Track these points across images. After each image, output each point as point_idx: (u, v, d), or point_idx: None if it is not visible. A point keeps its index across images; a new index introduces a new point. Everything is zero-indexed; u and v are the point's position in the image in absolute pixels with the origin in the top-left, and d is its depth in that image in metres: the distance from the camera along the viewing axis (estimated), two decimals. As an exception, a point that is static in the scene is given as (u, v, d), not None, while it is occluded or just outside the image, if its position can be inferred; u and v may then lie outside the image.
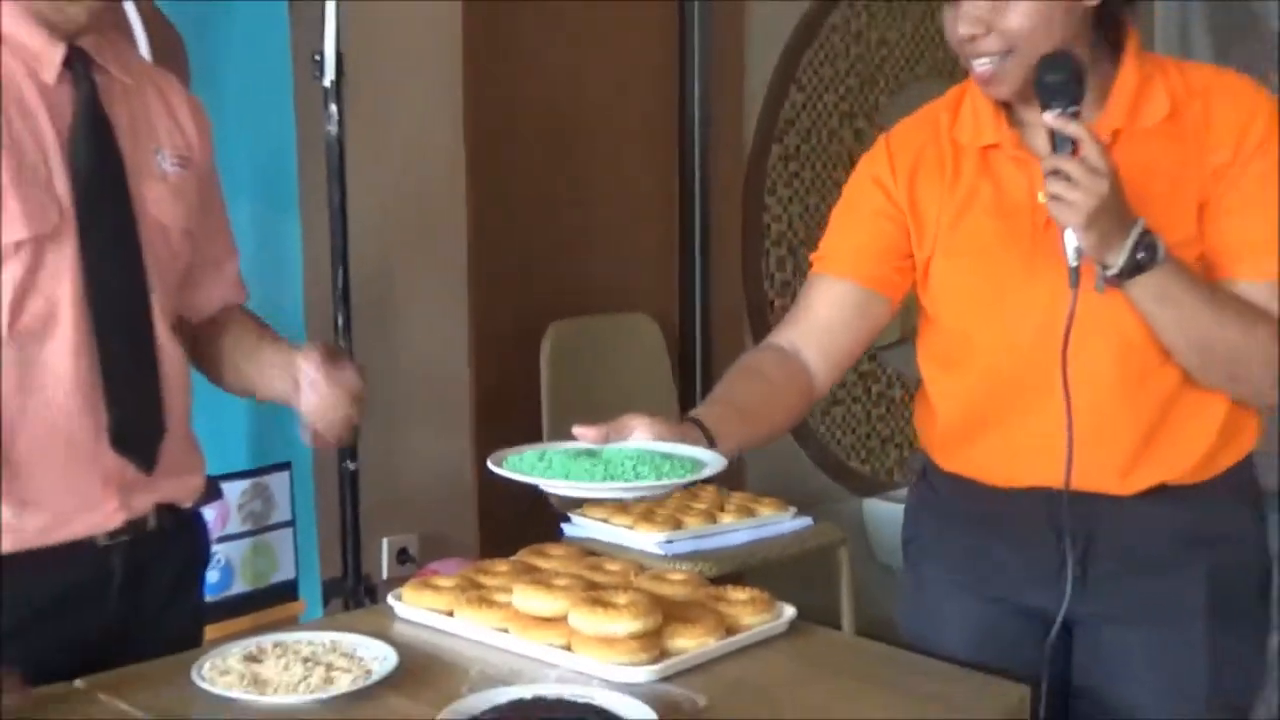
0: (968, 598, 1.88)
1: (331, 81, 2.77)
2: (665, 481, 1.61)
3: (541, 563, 2.06)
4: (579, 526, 3.17)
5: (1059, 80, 1.62)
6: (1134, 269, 1.58)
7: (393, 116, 3.14)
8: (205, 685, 1.62)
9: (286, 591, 2.75)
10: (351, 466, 2.87)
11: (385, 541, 3.18)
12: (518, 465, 1.71)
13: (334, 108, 2.78)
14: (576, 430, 1.72)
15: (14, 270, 1.75)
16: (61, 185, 1.79)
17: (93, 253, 1.80)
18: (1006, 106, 1.80)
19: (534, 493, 1.70)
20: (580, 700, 1.63)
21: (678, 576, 2.01)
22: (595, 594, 1.85)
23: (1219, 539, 1.80)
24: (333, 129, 2.80)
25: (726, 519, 3.25)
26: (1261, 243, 1.70)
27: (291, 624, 2.60)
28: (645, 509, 3.22)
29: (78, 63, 1.82)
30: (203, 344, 2.06)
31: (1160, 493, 1.77)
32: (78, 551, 1.82)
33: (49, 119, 1.80)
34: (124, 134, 1.86)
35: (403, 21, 3.17)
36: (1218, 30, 4.29)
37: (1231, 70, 1.82)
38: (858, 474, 4.37)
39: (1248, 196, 1.70)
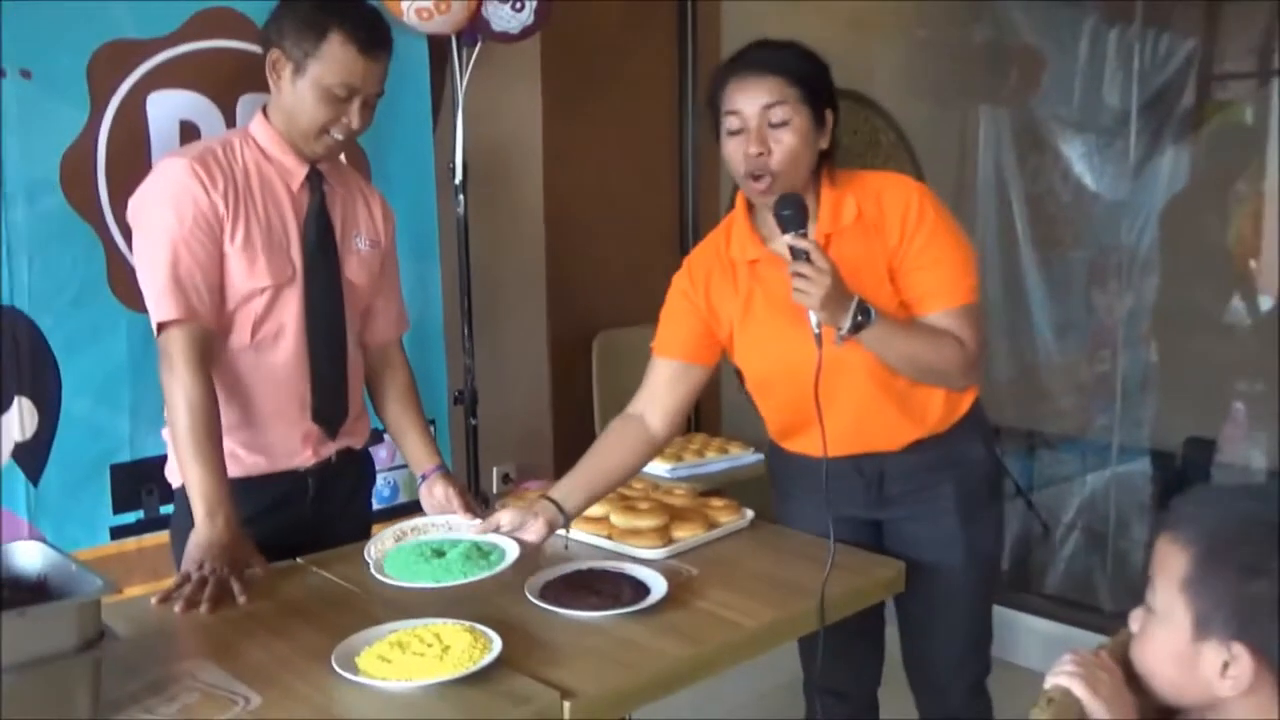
0: (813, 508, 1.80)
1: (460, 180, 2.78)
2: (472, 579, 1.53)
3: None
4: (617, 460, 3.17)
5: (790, 213, 1.59)
6: (856, 329, 1.57)
7: (498, 200, 3.15)
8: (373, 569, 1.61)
9: (431, 502, 2.73)
10: (474, 422, 2.88)
11: (494, 469, 3.19)
12: (395, 562, 1.59)
13: (461, 196, 2.80)
14: (480, 526, 1.70)
15: (258, 304, 1.77)
16: (295, 253, 1.80)
17: (311, 296, 1.82)
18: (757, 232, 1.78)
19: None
20: (617, 570, 1.65)
21: (679, 491, 2.04)
22: (626, 502, 1.87)
23: (960, 462, 1.82)
24: (460, 210, 2.81)
25: (710, 454, 3.25)
26: (932, 289, 1.70)
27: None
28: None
29: (314, 177, 1.83)
30: (376, 375, 2.02)
31: (917, 444, 1.79)
32: (284, 475, 1.84)
33: (292, 211, 1.81)
34: (337, 224, 1.88)
35: (505, 140, 3.18)
36: (1019, 143, 4.26)
37: (892, 172, 1.82)
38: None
39: (915, 263, 1.69)
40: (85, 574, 1.24)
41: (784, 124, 1.64)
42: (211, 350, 1.74)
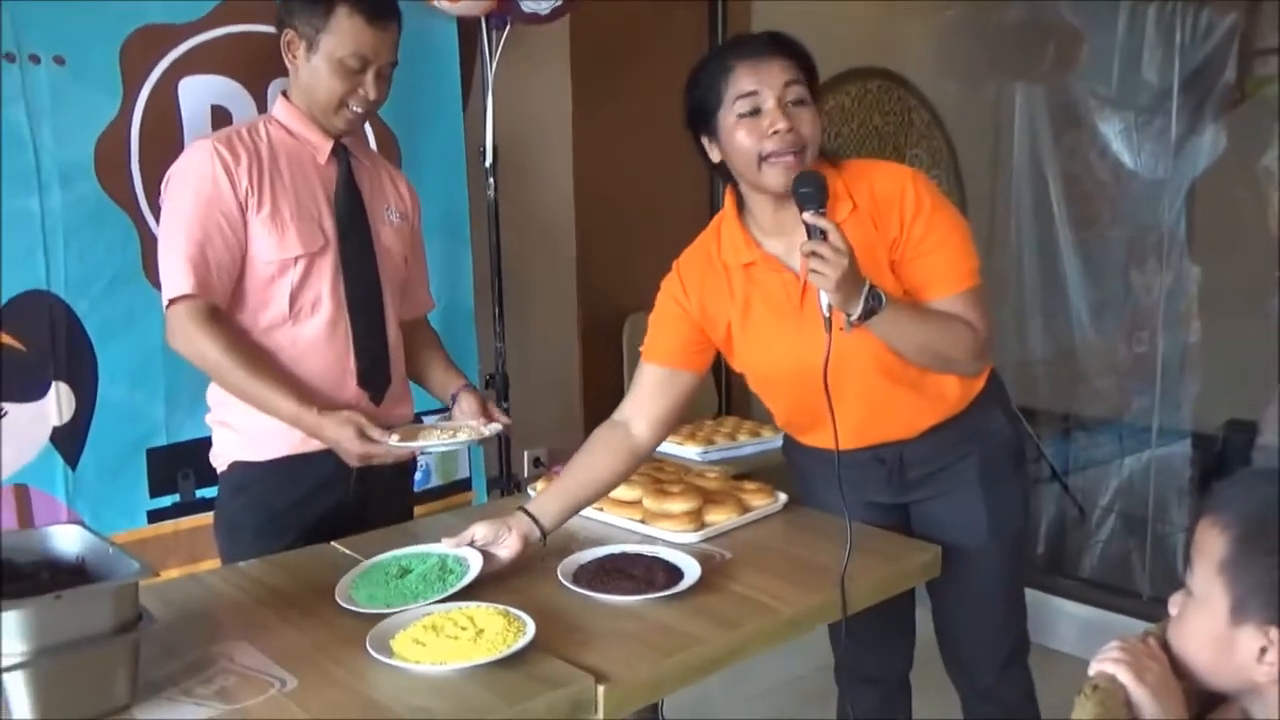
0: (837, 492, 1.76)
1: (490, 163, 2.78)
2: (427, 601, 1.46)
3: (625, 467, 2.05)
4: (648, 443, 3.17)
5: (809, 191, 1.53)
6: (868, 314, 1.53)
7: (528, 183, 3.15)
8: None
9: (463, 486, 2.74)
10: (505, 406, 2.88)
11: (526, 453, 3.19)
12: (365, 589, 1.53)
13: (491, 179, 2.79)
14: (454, 540, 1.62)
15: (293, 275, 1.80)
16: (327, 223, 1.83)
17: (345, 264, 1.85)
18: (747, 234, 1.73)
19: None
20: (649, 554, 1.64)
21: (712, 474, 2.02)
22: (659, 486, 1.86)
23: (981, 435, 1.79)
24: (490, 193, 2.81)
25: (742, 438, 3.24)
26: (936, 275, 1.65)
27: (466, 506, 2.63)
28: (690, 431, 3.22)
29: (340, 151, 1.86)
30: (406, 344, 2.05)
31: (936, 428, 1.76)
32: (325, 457, 1.84)
33: (320, 184, 1.84)
34: (366, 194, 1.90)
35: (534, 122, 3.17)
36: (1055, 121, 4.18)
37: (882, 161, 1.77)
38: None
39: (916, 251, 1.65)
40: (123, 557, 1.25)
41: (802, 102, 1.62)
42: (217, 320, 1.77)
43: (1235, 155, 3.87)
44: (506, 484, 2.90)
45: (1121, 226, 4.07)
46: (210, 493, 2.15)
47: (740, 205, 1.75)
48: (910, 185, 1.65)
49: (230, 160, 1.76)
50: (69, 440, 2.06)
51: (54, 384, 2.04)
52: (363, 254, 1.87)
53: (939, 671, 1.97)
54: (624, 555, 1.64)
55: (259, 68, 2.22)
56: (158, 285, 2.11)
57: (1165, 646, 1.12)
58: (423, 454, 1.76)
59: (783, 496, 1.93)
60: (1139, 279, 4.07)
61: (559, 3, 2.72)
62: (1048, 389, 4.19)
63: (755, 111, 1.61)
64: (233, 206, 1.76)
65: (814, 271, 1.49)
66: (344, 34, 1.76)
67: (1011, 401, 1.89)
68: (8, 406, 1.99)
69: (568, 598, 1.52)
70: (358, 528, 1.83)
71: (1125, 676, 1.06)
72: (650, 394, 1.78)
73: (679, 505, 1.78)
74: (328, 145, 1.85)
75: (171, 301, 1.76)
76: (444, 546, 1.62)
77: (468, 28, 2.68)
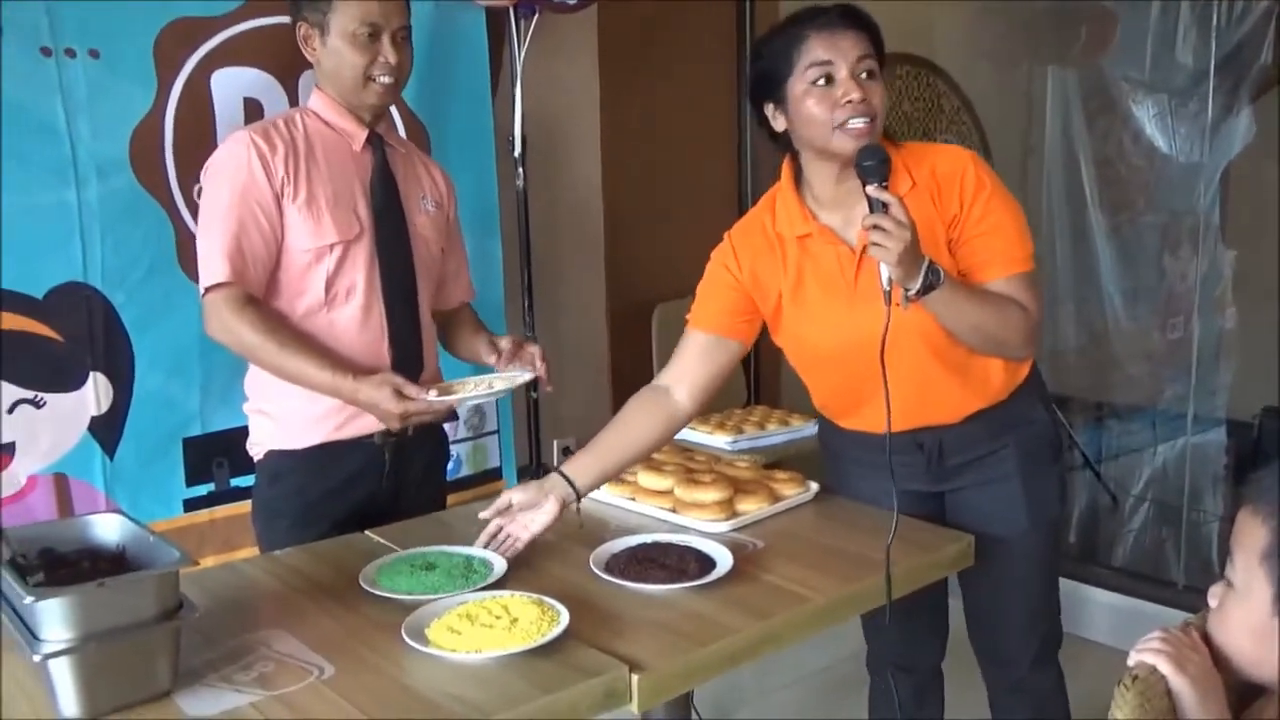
0: (874, 479, 1.78)
1: (519, 152, 2.78)
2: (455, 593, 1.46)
3: (655, 456, 2.04)
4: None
5: (872, 164, 1.53)
6: (926, 289, 1.53)
7: (556, 173, 3.15)
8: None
9: (494, 475, 2.76)
10: (534, 395, 2.89)
11: (555, 442, 3.20)
12: (389, 576, 1.54)
13: (520, 169, 2.79)
14: (492, 508, 1.67)
15: (329, 262, 1.81)
16: (363, 211, 1.84)
17: (380, 251, 1.86)
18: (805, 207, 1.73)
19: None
20: (682, 543, 1.65)
21: (742, 463, 2.02)
22: (690, 475, 1.86)
23: (1020, 424, 1.78)
24: (520, 182, 2.81)
25: (771, 426, 3.23)
26: (992, 257, 1.66)
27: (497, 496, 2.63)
28: (719, 420, 3.22)
29: (375, 139, 1.87)
30: (447, 328, 2.08)
31: (976, 415, 1.75)
32: (360, 446, 1.86)
33: (356, 171, 1.85)
34: (401, 182, 1.91)
35: (563, 112, 3.17)
36: (1088, 105, 4.13)
37: (944, 145, 1.77)
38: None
39: (974, 231, 1.65)
40: (163, 545, 1.27)
41: (873, 76, 1.62)
42: (253, 306, 1.79)
43: (1271, 138, 3.81)
44: (537, 472, 2.91)
45: (1155, 211, 4.01)
46: (244, 481, 2.18)
47: (798, 178, 1.75)
48: (971, 166, 1.66)
49: (266, 150, 1.78)
50: (107, 430, 2.09)
51: (92, 374, 2.06)
52: (397, 241, 1.88)
53: (966, 664, 1.96)
54: (656, 544, 1.64)
55: (290, 60, 2.22)
56: (192, 276, 2.14)
57: (1205, 638, 1.10)
58: (462, 406, 1.77)
59: (814, 485, 1.92)
60: (1173, 264, 4.02)
61: (587, -9, 2.71)
62: (1081, 376, 4.15)
63: (828, 80, 1.60)
64: (268, 197, 1.77)
65: (875, 244, 1.49)
66: (350, 7, 1.79)
67: (1049, 394, 1.88)
68: (47, 397, 2.02)
69: (600, 587, 1.53)
70: (391, 517, 1.85)
71: (1166, 667, 1.05)
72: (694, 361, 1.79)
73: (710, 495, 1.78)
74: (363, 133, 1.87)
75: (208, 290, 1.78)
76: (482, 515, 1.66)
77: (496, 17, 2.68)
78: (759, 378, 3.85)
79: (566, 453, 3.26)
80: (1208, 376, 3.79)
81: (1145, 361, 4.06)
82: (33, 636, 1.14)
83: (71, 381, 2.05)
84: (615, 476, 1.80)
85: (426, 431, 1.98)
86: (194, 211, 2.15)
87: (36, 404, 2.01)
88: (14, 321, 1.96)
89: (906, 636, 1.92)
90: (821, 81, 1.60)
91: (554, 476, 1.69)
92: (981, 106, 4.27)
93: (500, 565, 1.57)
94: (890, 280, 1.52)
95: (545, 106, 3.00)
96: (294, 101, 2.25)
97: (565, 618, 1.36)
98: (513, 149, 2.77)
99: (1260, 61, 3.78)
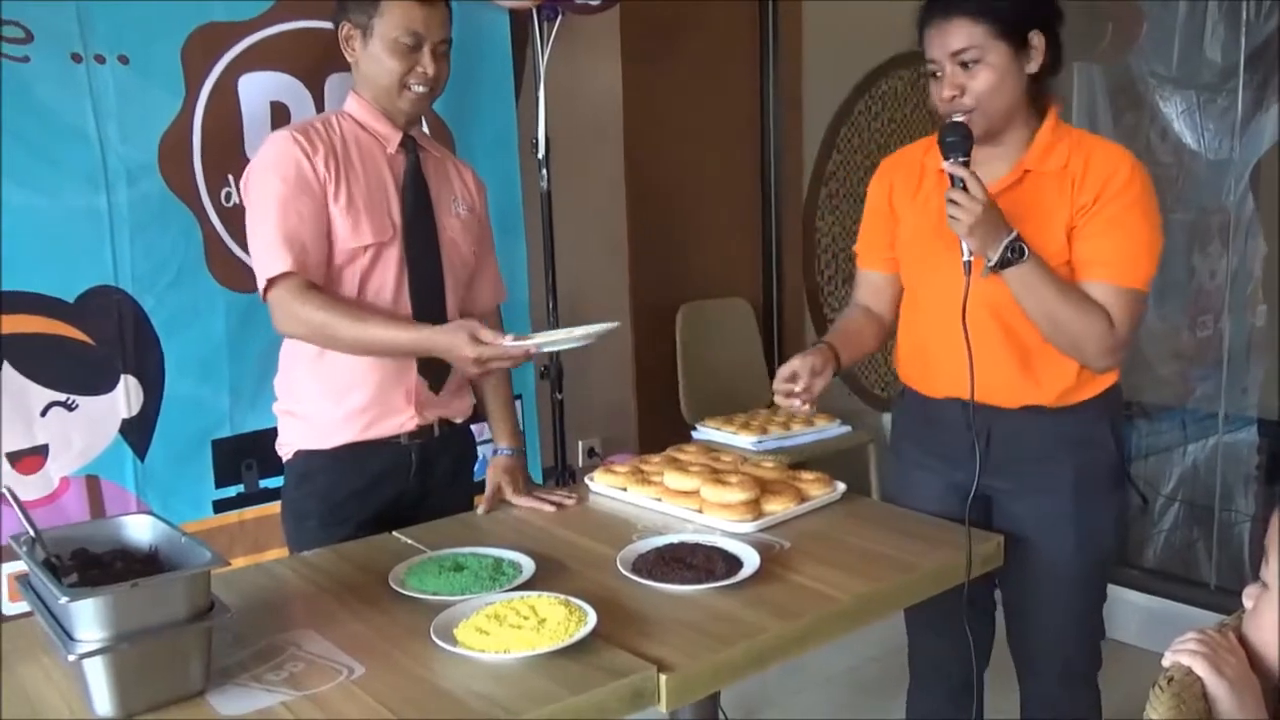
0: (924, 473, 1.86)
1: (543, 155, 2.78)
2: (483, 594, 1.46)
3: (680, 456, 2.06)
4: (702, 433, 3.17)
5: (954, 140, 1.61)
6: (1004, 264, 1.58)
7: (580, 174, 3.15)
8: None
9: (520, 475, 2.74)
10: (559, 397, 2.90)
11: (580, 443, 3.21)
12: (418, 577, 1.53)
13: (545, 171, 2.80)
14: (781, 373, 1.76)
15: (363, 262, 1.82)
16: (395, 212, 1.84)
17: (410, 253, 1.86)
18: None
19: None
20: (708, 544, 1.64)
21: (768, 463, 2.01)
22: (716, 475, 1.85)
23: (1082, 444, 1.75)
24: (544, 184, 2.81)
25: (796, 427, 3.23)
26: (1104, 259, 1.65)
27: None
28: (744, 421, 3.21)
29: (408, 142, 1.87)
30: None
31: (1033, 410, 1.74)
32: (388, 446, 1.86)
33: (390, 174, 1.85)
34: (433, 187, 1.91)
35: (586, 113, 3.17)
36: (1114, 101, 4.09)
37: (1115, 142, 1.75)
38: (879, 397, 4.30)
39: (1100, 227, 1.64)
40: (195, 546, 1.28)
41: (975, 63, 1.64)
42: (316, 292, 1.78)
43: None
44: (562, 474, 2.92)
45: (1184, 209, 3.97)
46: (273, 483, 2.19)
47: None
48: (1126, 168, 1.66)
49: (309, 149, 1.79)
50: (138, 432, 2.11)
51: (123, 377, 2.08)
52: (427, 245, 1.89)
53: (1003, 673, 1.94)
54: (683, 545, 1.63)
55: (316, 63, 2.25)
56: (220, 279, 2.16)
57: (1241, 639, 1.09)
58: (539, 351, 1.73)
59: (841, 486, 1.91)
60: (1202, 262, 3.97)
61: (610, -8, 2.72)
62: (1109, 375, 4.11)
63: (937, 74, 1.69)
64: (318, 191, 1.78)
65: (951, 217, 1.58)
66: (395, 14, 1.79)
67: (1123, 421, 1.83)
68: (79, 399, 2.04)
69: (627, 587, 1.52)
70: (418, 517, 1.86)
71: (1203, 669, 1.04)
72: (872, 295, 1.94)
73: (737, 495, 1.77)
74: (397, 136, 1.87)
75: (269, 284, 1.75)
76: (504, 550, 1.63)
77: (519, 19, 2.69)
78: (784, 378, 3.85)
79: (592, 453, 3.27)
80: (1238, 375, 3.75)
81: (1175, 360, 4.02)
82: (68, 636, 1.15)
83: (103, 384, 2.07)
84: (859, 357, 1.90)
85: (453, 431, 1.99)
86: (222, 216, 2.17)
87: (69, 406, 2.03)
88: (46, 325, 1.99)
89: (946, 639, 1.89)
90: (933, 72, 1.69)
91: (824, 346, 1.81)
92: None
93: (529, 566, 1.57)
94: (969, 250, 1.61)
95: (569, 107, 3.01)
96: (320, 105, 2.27)
97: (593, 618, 1.36)
98: (536, 150, 2.77)
99: (1289, 57, 3.74)
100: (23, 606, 1.72)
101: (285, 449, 1.92)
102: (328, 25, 2.22)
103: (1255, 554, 1.08)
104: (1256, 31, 3.64)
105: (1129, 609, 3.02)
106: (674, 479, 1.86)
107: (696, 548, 1.61)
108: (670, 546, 1.63)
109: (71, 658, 1.13)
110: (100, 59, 2.01)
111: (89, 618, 1.14)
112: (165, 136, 2.09)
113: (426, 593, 1.48)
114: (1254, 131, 3.75)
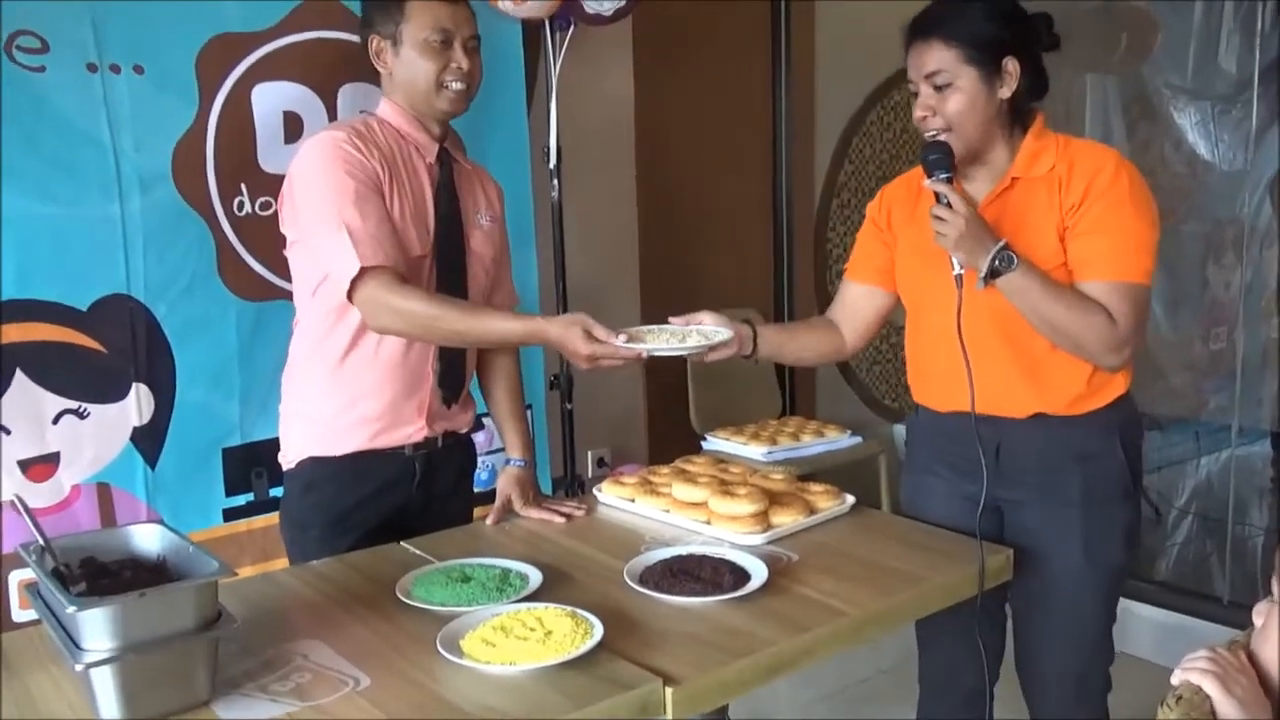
0: (938, 483, 1.86)
1: (554, 164, 2.79)
2: (490, 605, 1.46)
3: (689, 467, 2.06)
4: (712, 443, 3.16)
5: (935, 158, 1.65)
6: (993, 274, 1.61)
7: (591, 184, 3.15)
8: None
9: (529, 484, 2.74)
10: (569, 407, 2.90)
11: (589, 453, 3.21)
12: (425, 587, 1.53)
13: (556, 181, 2.81)
14: (672, 319, 1.81)
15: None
16: (431, 225, 1.85)
17: (440, 265, 1.86)
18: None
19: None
20: (717, 556, 1.63)
21: (777, 475, 2.00)
22: (725, 487, 1.85)
23: (1091, 455, 1.74)
24: (555, 194, 2.82)
25: (806, 438, 3.22)
26: (1098, 257, 1.65)
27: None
28: (754, 431, 3.20)
29: (444, 153, 1.87)
30: (484, 353, 2.06)
31: (1042, 419, 1.74)
32: (392, 456, 1.87)
33: (429, 183, 1.85)
34: (463, 199, 1.91)
35: (598, 124, 3.18)
36: (1128, 112, 4.08)
37: (1100, 143, 1.77)
38: (890, 408, 4.30)
39: (1090, 225, 1.65)
40: (202, 556, 1.28)
41: (947, 86, 1.68)
42: (412, 285, 1.76)
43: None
44: (571, 484, 2.91)
45: (1198, 220, 3.95)
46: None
47: None
48: (1112, 165, 1.67)
49: (365, 151, 1.77)
50: (149, 440, 2.11)
51: (134, 385, 2.09)
52: (455, 258, 1.88)
53: (1014, 685, 1.92)
54: (690, 557, 1.63)
55: (329, 73, 2.26)
56: (232, 288, 2.17)
57: (1251, 657, 1.08)
58: (650, 355, 1.72)
59: (850, 498, 1.91)
60: (1216, 273, 3.95)
61: (622, 3, 2.72)
62: (1120, 387, 4.09)
63: (916, 93, 1.73)
64: (381, 190, 1.76)
65: (938, 233, 1.63)
66: (422, 15, 1.80)
67: (1138, 432, 1.81)
68: (91, 407, 2.05)
69: (634, 599, 1.52)
70: (419, 528, 1.85)
71: (1213, 688, 1.03)
72: (849, 308, 1.95)
73: (745, 507, 1.76)
74: (434, 147, 1.87)
75: (356, 280, 1.69)
76: (511, 561, 1.62)
77: (532, 29, 2.69)
78: (794, 388, 3.84)
79: (601, 463, 3.26)
80: (1252, 387, 3.72)
81: (1188, 372, 4.00)
82: (75, 645, 1.15)
83: (114, 392, 2.08)
84: (781, 358, 1.96)
85: (456, 442, 1.99)
86: (234, 225, 2.18)
87: (80, 415, 2.04)
88: (58, 333, 2.00)
89: (958, 650, 1.88)
90: (913, 91, 1.73)
91: (745, 325, 1.85)
92: (1019, 114, 4.24)
93: (536, 578, 1.57)
94: (959, 263, 1.65)
95: (580, 117, 3.01)
96: (333, 115, 2.28)
97: (599, 630, 1.36)
98: (548, 160, 2.78)
99: (1304, 68, 3.72)
100: (32, 614, 1.73)
101: (290, 455, 1.90)
102: (341, 36, 2.24)
103: (1268, 568, 1.07)
104: (1271, 43, 3.63)
105: (1141, 623, 3.00)
106: (682, 490, 1.86)
107: (704, 560, 1.61)
108: (678, 558, 1.62)
109: (79, 667, 1.13)
110: (115, 69, 2.02)
111: (97, 627, 1.14)
112: (179, 146, 2.10)
113: (433, 603, 1.48)
114: (1268, 143, 3.73)
